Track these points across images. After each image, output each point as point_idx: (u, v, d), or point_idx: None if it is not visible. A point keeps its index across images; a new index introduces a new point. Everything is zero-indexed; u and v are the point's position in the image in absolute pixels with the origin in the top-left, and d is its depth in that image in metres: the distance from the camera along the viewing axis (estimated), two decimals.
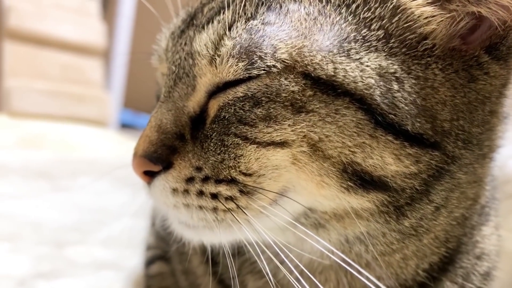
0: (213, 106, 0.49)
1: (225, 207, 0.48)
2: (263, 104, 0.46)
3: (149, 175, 0.50)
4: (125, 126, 3.81)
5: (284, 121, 0.45)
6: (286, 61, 0.45)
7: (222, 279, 0.61)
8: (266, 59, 0.45)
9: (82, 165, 2.10)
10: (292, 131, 0.45)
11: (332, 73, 0.44)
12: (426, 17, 0.45)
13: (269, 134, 0.46)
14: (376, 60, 0.44)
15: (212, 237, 0.52)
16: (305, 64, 0.45)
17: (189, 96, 0.50)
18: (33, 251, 0.99)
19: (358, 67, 0.44)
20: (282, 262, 0.50)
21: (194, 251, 0.64)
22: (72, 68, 3.32)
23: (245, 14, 0.47)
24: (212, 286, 0.62)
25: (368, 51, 0.44)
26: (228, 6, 0.49)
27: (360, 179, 0.45)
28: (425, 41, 0.45)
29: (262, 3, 0.48)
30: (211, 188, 0.48)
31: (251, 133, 0.46)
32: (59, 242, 1.06)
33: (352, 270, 0.49)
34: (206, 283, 0.64)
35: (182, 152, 0.49)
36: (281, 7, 0.47)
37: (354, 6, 0.46)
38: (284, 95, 0.45)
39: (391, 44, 0.45)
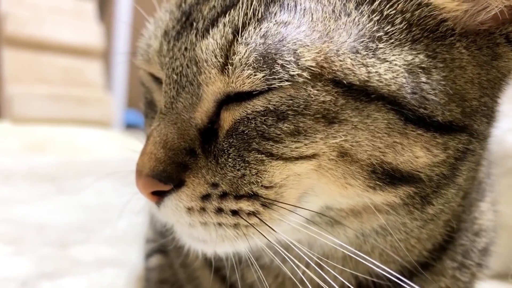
0: (227, 119, 0.45)
1: (248, 223, 0.45)
2: (289, 118, 0.42)
3: (158, 195, 0.47)
4: (130, 126, 3.82)
5: (316, 135, 0.42)
6: (312, 68, 0.41)
7: (219, 271, 0.61)
8: (289, 68, 0.41)
9: (86, 167, 2.11)
10: (324, 143, 0.42)
11: (366, 78, 0.41)
12: (450, 10, 0.43)
13: (299, 150, 0.43)
14: (401, 55, 0.42)
15: (228, 248, 0.50)
16: (334, 70, 0.41)
17: (195, 106, 0.46)
18: (37, 252, 0.99)
19: (390, 68, 0.41)
20: (295, 257, 0.48)
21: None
22: (72, 71, 3.33)
23: (254, 15, 0.43)
24: (210, 278, 0.62)
25: (392, 46, 0.42)
26: (234, 6, 0.44)
27: (390, 177, 0.43)
28: (445, 23, 0.43)
29: (273, 1, 0.43)
30: (231, 204, 0.45)
31: (276, 149, 0.43)
32: (63, 243, 1.06)
33: (363, 261, 0.47)
34: (203, 276, 0.64)
35: (194, 168, 0.45)
36: (296, 5, 0.43)
37: (376, 3, 0.43)
38: (314, 107, 0.41)
39: (413, 33, 0.42)
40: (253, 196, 0.45)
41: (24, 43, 3.12)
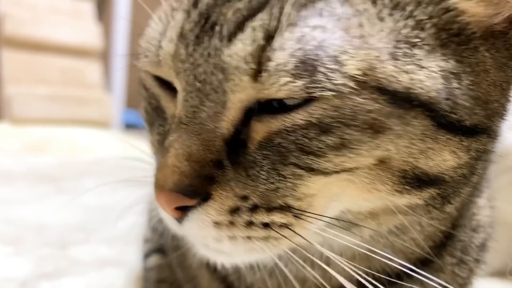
0: (259, 130, 0.42)
1: (281, 235, 0.44)
2: (333, 131, 0.40)
3: (181, 210, 0.44)
4: (129, 126, 3.83)
5: (361, 147, 0.40)
6: (357, 76, 0.39)
7: (218, 270, 0.61)
8: (332, 77, 0.38)
9: (86, 167, 2.11)
10: (369, 155, 0.41)
11: (409, 85, 0.40)
12: (473, 14, 0.43)
13: (343, 164, 0.41)
14: (435, 61, 0.41)
15: (252, 258, 0.49)
16: (379, 77, 0.39)
17: (220, 115, 0.43)
18: (37, 252, 0.99)
19: (429, 74, 0.40)
20: (301, 257, 0.47)
21: (189, 244, 0.64)
22: (71, 71, 3.34)
23: (287, 19, 0.40)
24: (208, 277, 0.62)
25: (427, 52, 0.41)
26: (263, 9, 0.41)
27: (418, 181, 0.43)
28: (468, 27, 0.43)
29: (305, 5, 0.41)
30: (262, 217, 0.43)
31: (318, 164, 0.41)
32: (63, 243, 1.07)
33: (376, 256, 0.47)
34: (202, 275, 0.64)
35: (222, 181, 0.43)
36: (329, 11, 0.41)
37: (409, 9, 0.42)
38: (361, 117, 0.39)
39: (441, 38, 0.42)
40: (285, 208, 0.43)
41: (22, 44, 3.12)
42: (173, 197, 0.43)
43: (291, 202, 0.43)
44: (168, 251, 0.72)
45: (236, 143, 0.43)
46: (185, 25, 0.45)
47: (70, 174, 1.95)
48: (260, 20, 0.41)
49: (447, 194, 0.46)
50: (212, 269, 0.60)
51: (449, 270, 0.56)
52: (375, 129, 0.40)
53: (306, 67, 0.39)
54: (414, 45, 0.41)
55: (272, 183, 0.42)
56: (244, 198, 0.43)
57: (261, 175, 0.42)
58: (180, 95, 0.45)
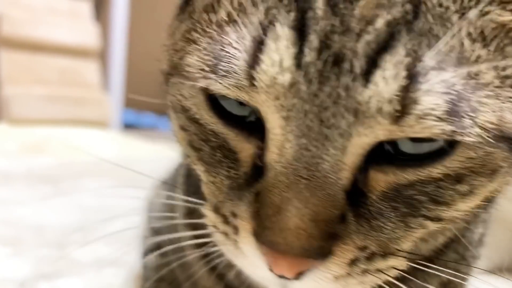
0: (381, 179, 0.40)
1: (391, 277, 0.43)
2: (466, 179, 0.40)
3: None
4: (128, 126, 3.83)
5: (481, 190, 0.41)
6: (489, 128, 0.37)
7: (216, 269, 0.61)
8: (471, 124, 0.37)
9: (85, 167, 2.11)
10: (483, 196, 0.41)
11: None
12: None
13: (465, 209, 0.41)
14: None
15: None
16: (504, 126, 0.38)
17: (340, 163, 0.39)
18: (35, 253, 0.99)
19: None
20: None
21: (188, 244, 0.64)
22: (69, 72, 3.33)
23: (430, 58, 0.36)
24: (207, 276, 0.62)
25: None
26: (392, 42, 0.36)
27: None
28: None
29: (437, 49, 0.37)
30: (379, 264, 0.42)
31: (446, 213, 0.41)
32: (62, 243, 1.06)
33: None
34: (201, 274, 0.64)
35: (344, 235, 0.40)
36: (456, 56, 0.37)
37: (508, 49, 0.39)
38: (489, 164, 0.39)
39: None
40: (399, 252, 0.43)
41: (20, 44, 3.12)
42: (298, 262, 0.40)
43: (405, 246, 0.43)
44: (167, 250, 0.72)
45: (355, 193, 0.40)
46: (307, 54, 0.38)
47: (69, 174, 1.95)
48: (398, 55, 0.36)
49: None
50: (211, 267, 0.60)
51: (452, 266, 0.56)
52: (494, 172, 0.40)
53: (451, 112, 0.36)
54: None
55: (395, 232, 0.41)
56: (363, 248, 0.41)
57: (387, 226, 0.41)
58: (290, 142, 0.39)
